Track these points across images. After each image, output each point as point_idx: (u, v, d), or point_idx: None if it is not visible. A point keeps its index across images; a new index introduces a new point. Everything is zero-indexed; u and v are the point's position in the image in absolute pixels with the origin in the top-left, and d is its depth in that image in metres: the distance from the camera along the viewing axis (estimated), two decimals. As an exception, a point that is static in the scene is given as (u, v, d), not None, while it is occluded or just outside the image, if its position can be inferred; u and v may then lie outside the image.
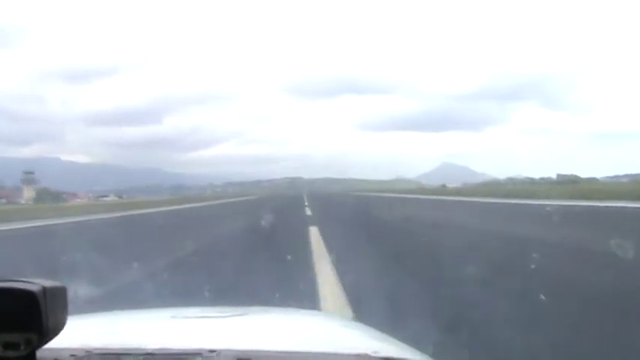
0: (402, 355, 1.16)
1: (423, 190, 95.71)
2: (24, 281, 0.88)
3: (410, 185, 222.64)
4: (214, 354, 1.01)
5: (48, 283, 0.89)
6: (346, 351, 1.19)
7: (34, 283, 0.87)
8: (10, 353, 0.88)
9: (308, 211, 24.33)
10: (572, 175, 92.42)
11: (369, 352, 1.17)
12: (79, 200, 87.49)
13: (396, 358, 1.11)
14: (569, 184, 69.88)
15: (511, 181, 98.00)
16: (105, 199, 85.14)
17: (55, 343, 0.92)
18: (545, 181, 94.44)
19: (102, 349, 1.04)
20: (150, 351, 1.01)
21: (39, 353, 0.90)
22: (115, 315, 2.20)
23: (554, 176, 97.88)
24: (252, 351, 1.05)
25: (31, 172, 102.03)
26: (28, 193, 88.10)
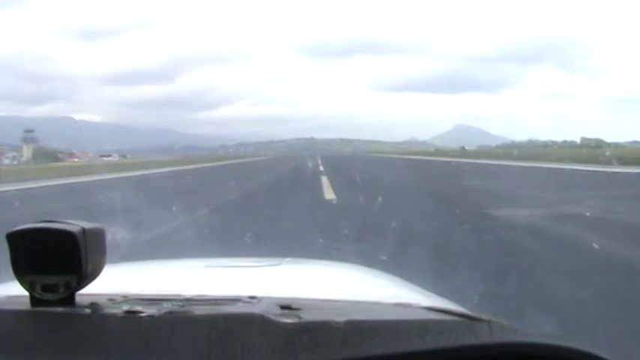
0: (443, 306, 1.16)
1: (441, 152, 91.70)
2: (63, 222, 0.88)
3: (424, 147, 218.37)
4: (255, 300, 0.98)
5: (87, 224, 0.88)
6: (388, 300, 1.18)
7: (74, 224, 0.87)
8: (49, 296, 0.87)
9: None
10: (597, 139, 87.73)
11: (411, 301, 1.17)
12: (76, 160, 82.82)
13: (438, 307, 1.10)
14: (595, 149, 66.08)
15: (532, 143, 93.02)
16: (107, 158, 79.78)
17: (93, 287, 0.92)
18: (568, 145, 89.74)
19: (140, 294, 1.03)
20: (188, 297, 1.00)
21: (78, 297, 0.90)
22: (151, 264, 2.39)
23: (577, 140, 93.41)
24: (293, 298, 1.00)
25: (31, 131, 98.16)
26: (27, 152, 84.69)
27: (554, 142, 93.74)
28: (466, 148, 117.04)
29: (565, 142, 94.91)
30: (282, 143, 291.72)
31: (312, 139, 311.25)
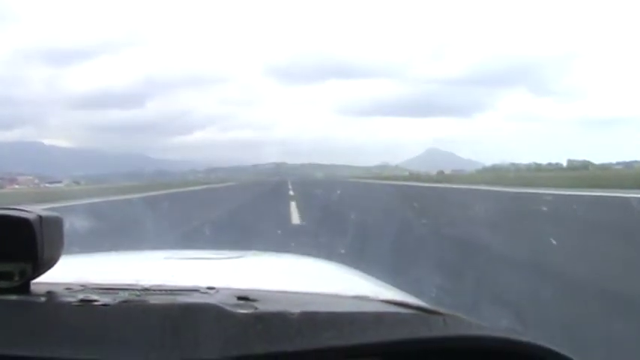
0: (401, 299, 1.15)
1: (416, 176, 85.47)
2: (20, 209, 0.86)
3: (397, 172, 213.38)
4: (213, 291, 0.97)
5: (44, 212, 0.86)
6: (346, 293, 1.18)
7: (30, 211, 0.85)
8: (4, 284, 0.85)
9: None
10: (583, 161, 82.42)
11: (369, 294, 1.17)
12: (16, 187, 73.01)
13: (395, 300, 1.09)
14: (581, 170, 60.87)
15: (514, 167, 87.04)
16: (56, 185, 71.69)
17: (50, 276, 0.89)
18: (553, 167, 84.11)
19: (97, 284, 1.01)
20: (147, 286, 0.98)
21: (33, 286, 0.88)
22: (110, 255, 2.32)
23: (563, 162, 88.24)
24: (251, 290, 1.00)
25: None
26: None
27: (537, 165, 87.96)
28: (444, 172, 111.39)
29: (550, 164, 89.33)
30: (254, 168, 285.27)
31: (284, 164, 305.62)
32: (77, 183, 79.98)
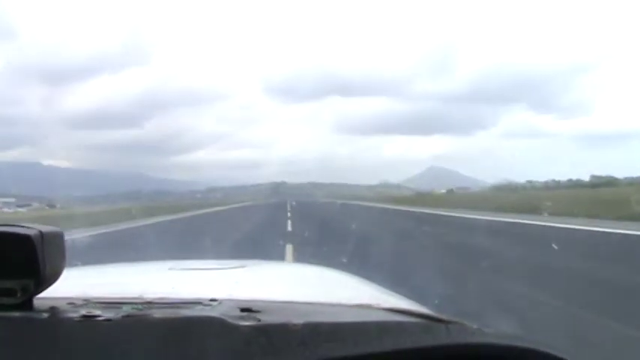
0: (404, 307, 1.16)
1: (424, 197, 77.56)
2: (21, 226, 0.85)
3: (400, 190, 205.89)
4: (215, 303, 0.98)
5: (45, 228, 0.86)
6: (349, 302, 1.18)
7: (31, 227, 0.85)
8: (6, 300, 0.85)
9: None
10: (608, 177, 74.54)
11: (372, 302, 1.17)
12: None
13: (398, 308, 1.10)
14: (608, 187, 53.53)
15: (531, 184, 78.94)
16: (20, 209, 63.56)
17: (53, 291, 0.89)
18: (575, 184, 76.09)
19: (100, 297, 1.01)
20: (149, 299, 0.99)
21: (36, 301, 0.87)
22: (113, 267, 2.32)
23: (585, 178, 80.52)
24: (254, 300, 1.01)
25: None
26: None
27: (556, 182, 79.90)
28: (453, 190, 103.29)
29: (571, 180, 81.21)
30: (254, 188, 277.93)
31: (284, 183, 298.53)
32: (52, 206, 70.95)
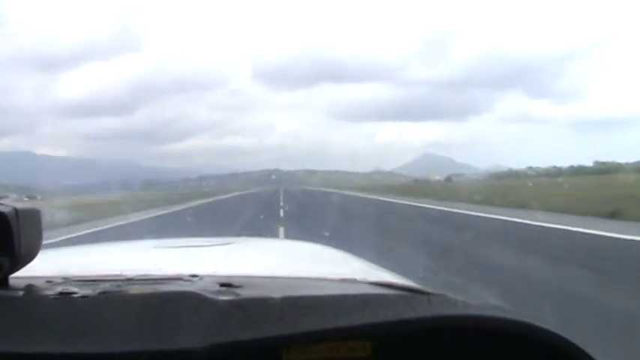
0: (388, 280, 1.15)
1: (424, 185, 73.74)
2: None
3: (394, 178, 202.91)
4: (196, 279, 0.97)
5: (21, 205, 0.84)
6: (332, 276, 1.17)
7: (5, 205, 0.83)
8: None
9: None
10: (613, 163, 71.24)
11: (356, 276, 1.16)
12: None
13: (382, 282, 1.10)
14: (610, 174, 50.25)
15: (533, 171, 75.51)
16: None
17: (31, 270, 0.88)
18: (577, 170, 72.70)
19: (80, 276, 1.00)
20: (129, 277, 0.98)
21: (13, 280, 0.86)
22: (96, 246, 2.35)
23: (587, 164, 77.23)
24: (235, 276, 1.00)
25: None
26: None
27: (557, 169, 76.47)
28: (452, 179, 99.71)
29: (572, 167, 77.79)
30: (246, 175, 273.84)
31: (277, 170, 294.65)
32: (32, 197, 66.60)
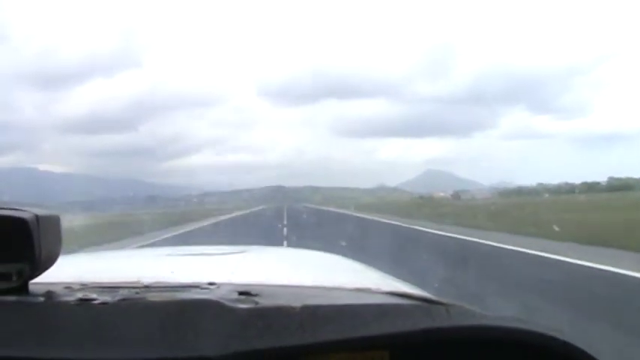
0: (403, 290, 1.15)
1: (430, 201, 70.70)
2: (16, 209, 0.85)
3: (397, 194, 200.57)
4: (214, 286, 0.98)
5: (41, 211, 0.86)
6: (348, 285, 1.18)
7: (27, 211, 0.84)
8: (2, 284, 0.84)
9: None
10: (628, 179, 68.83)
11: (372, 286, 1.17)
12: None
13: (398, 291, 1.10)
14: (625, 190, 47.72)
15: (543, 187, 72.90)
16: None
17: (49, 276, 0.89)
18: (590, 187, 70.19)
19: (97, 282, 1.01)
20: (147, 283, 0.99)
21: (32, 286, 0.87)
22: (111, 253, 2.33)
23: (601, 180, 74.76)
24: (253, 285, 1.00)
25: None
26: None
27: (569, 185, 73.92)
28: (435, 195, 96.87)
29: (586, 183, 75.27)
30: (250, 192, 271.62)
31: (281, 187, 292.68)
32: None
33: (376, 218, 37.00)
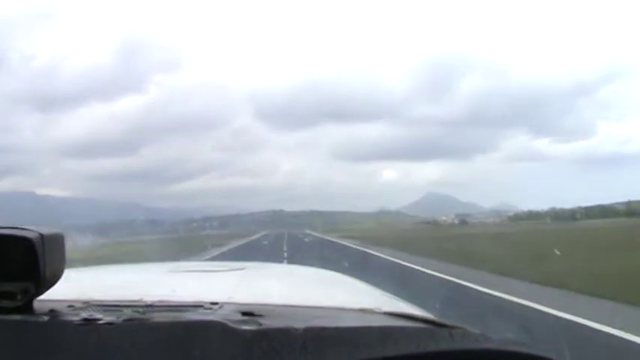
0: (406, 311, 1.17)
1: (436, 225, 67.11)
2: (21, 228, 0.85)
3: (400, 218, 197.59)
4: (217, 306, 0.98)
5: (46, 230, 0.86)
6: (351, 305, 1.19)
7: (32, 230, 0.84)
8: (7, 303, 0.84)
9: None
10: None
11: (373, 307, 1.17)
12: None
13: (399, 312, 1.11)
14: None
15: (554, 212, 69.73)
16: None
17: (53, 293, 0.89)
18: (606, 211, 66.85)
19: (100, 300, 1.02)
20: (150, 302, 0.99)
21: (36, 303, 0.87)
22: (113, 268, 2.32)
23: (617, 202, 71.54)
24: (255, 304, 1.01)
25: None
26: None
27: (582, 209, 70.55)
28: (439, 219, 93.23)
29: (601, 206, 71.91)
30: (251, 216, 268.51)
31: (282, 211, 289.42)
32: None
33: (397, 260, 23.66)
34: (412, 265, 20.18)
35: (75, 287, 1.11)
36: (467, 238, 38.88)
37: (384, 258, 25.58)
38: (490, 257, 19.11)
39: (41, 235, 0.82)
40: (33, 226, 0.85)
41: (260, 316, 0.88)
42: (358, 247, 36.72)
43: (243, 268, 1.86)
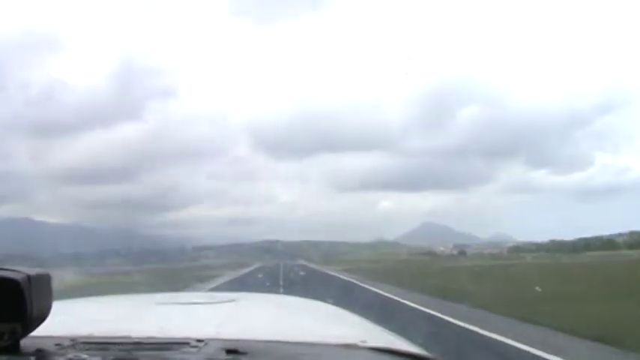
0: (390, 345, 1.16)
1: (433, 256, 65.72)
2: (7, 269, 0.85)
3: (397, 248, 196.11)
4: (202, 344, 0.99)
5: (32, 271, 0.86)
6: (334, 340, 1.19)
7: (19, 271, 0.84)
8: None
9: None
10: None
11: (357, 341, 1.17)
12: None
13: (384, 347, 1.12)
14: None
15: (556, 244, 68.81)
16: None
17: (40, 330, 0.89)
18: (605, 244, 65.94)
19: (87, 337, 1.02)
20: (136, 340, 1.00)
21: (23, 341, 0.87)
22: (100, 301, 2.26)
23: (618, 233, 70.56)
24: (240, 341, 1.03)
25: None
26: None
27: (584, 240, 69.59)
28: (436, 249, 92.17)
29: (600, 238, 71.21)
30: (248, 246, 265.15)
31: (278, 241, 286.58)
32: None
33: (409, 303, 18.01)
34: (417, 307, 16.12)
35: (63, 322, 1.09)
36: (480, 274, 32.63)
37: (402, 302, 18.54)
38: (543, 307, 13.77)
39: (28, 277, 0.82)
40: (20, 267, 0.84)
41: (244, 354, 0.89)
42: (359, 284, 31.50)
43: (233, 300, 1.85)
